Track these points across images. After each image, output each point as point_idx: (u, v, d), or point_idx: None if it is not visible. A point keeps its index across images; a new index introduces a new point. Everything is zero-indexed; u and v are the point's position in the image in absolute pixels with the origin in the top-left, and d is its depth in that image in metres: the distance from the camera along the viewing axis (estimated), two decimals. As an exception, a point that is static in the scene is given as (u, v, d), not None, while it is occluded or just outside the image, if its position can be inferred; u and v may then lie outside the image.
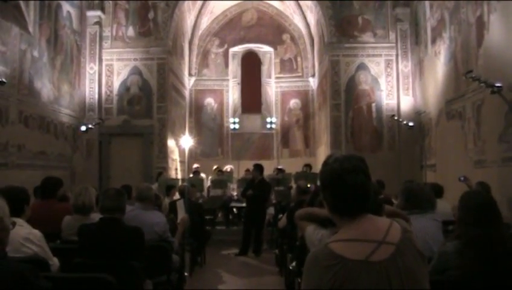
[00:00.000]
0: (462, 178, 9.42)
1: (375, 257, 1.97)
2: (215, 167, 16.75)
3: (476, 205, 3.70)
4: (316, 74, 21.39)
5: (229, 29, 23.07)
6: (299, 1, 20.90)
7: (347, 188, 2.10)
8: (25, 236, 4.34)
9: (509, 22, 9.36)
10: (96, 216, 5.35)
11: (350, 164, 2.14)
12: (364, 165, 2.17)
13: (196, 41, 22.49)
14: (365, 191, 2.13)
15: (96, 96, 16.50)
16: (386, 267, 1.96)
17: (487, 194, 4.93)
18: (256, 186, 12.12)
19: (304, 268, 2.10)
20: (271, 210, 13.24)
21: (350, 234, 2.06)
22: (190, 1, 19.60)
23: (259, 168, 12.50)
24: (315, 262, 2.04)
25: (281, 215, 9.90)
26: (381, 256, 1.98)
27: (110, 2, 16.97)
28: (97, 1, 16.61)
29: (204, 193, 15.18)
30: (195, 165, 16.99)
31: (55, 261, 4.58)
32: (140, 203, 6.21)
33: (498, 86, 8.50)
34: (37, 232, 4.48)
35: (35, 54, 12.86)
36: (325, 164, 2.21)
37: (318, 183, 2.36)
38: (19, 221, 4.32)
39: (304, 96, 22.84)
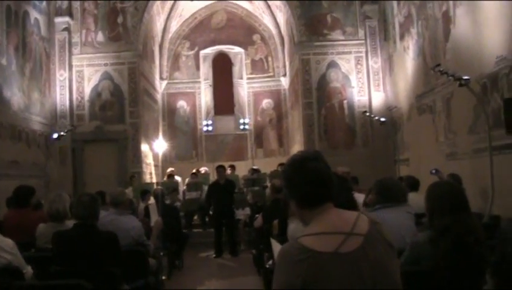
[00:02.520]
0: (433, 171, 9.52)
1: (345, 248, 2.01)
2: (194, 170, 16.71)
3: (447, 194, 3.75)
4: (288, 73, 21.47)
5: (199, 31, 23.05)
6: (268, 1, 20.96)
7: (309, 173, 2.19)
8: (-3, 245, 4.31)
9: (474, 15, 9.50)
10: (71, 223, 5.32)
11: (308, 153, 2.29)
12: (323, 157, 2.27)
13: (166, 44, 22.44)
14: (327, 177, 2.21)
15: (68, 102, 16.35)
16: (356, 257, 2.00)
17: (455, 183, 5.01)
18: (224, 187, 12.21)
19: (276, 263, 2.15)
20: (247, 210, 13.28)
21: (319, 227, 2.10)
22: (159, 4, 19.55)
23: (224, 169, 12.85)
24: (286, 257, 2.07)
25: (257, 215, 9.92)
26: (350, 247, 2.01)
27: (78, 7, 16.85)
28: (65, 6, 16.47)
29: (180, 196, 15.13)
30: (169, 169, 16.92)
31: (28, 270, 4.55)
32: (115, 208, 6.18)
33: (466, 79, 8.63)
34: (8, 240, 4.44)
35: (4, 62, 12.71)
36: (287, 161, 2.34)
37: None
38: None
39: (276, 96, 22.92)
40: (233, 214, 12.58)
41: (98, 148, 16.54)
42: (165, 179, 16.52)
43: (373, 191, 4.82)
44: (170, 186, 12.80)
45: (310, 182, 2.17)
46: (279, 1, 18.54)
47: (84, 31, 16.91)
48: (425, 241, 3.69)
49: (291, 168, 2.25)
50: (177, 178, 16.37)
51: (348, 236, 2.04)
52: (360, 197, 6.17)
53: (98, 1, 16.95)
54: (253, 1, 21.94)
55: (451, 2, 10.50)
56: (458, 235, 3.53)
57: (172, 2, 20.89)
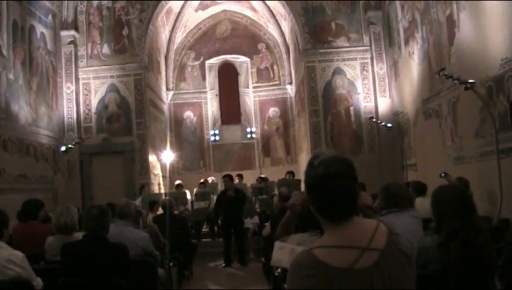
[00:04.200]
0: (442, 174, 9.51)
1: (359, 264, 1.95)
2: (202, 180, 16.72)
3: (455, 197, 3.76)
4: (293, 81, 21.49)
5: (204, 41, 23.11)
6: (272, 10, 21.01)
7: (332, 193, 2.04)
8: (7, 258, 4.32)
9: (478, 19, 9.51)
10: (79, 235, 5.33)
11: (335, 167, 2.07)
12: (351, 169, 2.11)
13: (172, 55, 22.50)
14: (351, 196, 2.07)
15: (75, 115, 16.43)
16: (370, 274, 1.94)
17: (461, 186, 5.01)
18: (233, 198, 12.17)
19: (288, 273, 2.07)
20: (255, 219, 13.28)
21: (334, 239, 2.03)
22: (164, 16, 19.63)
23: (231, 178, 12.70)
24: (299, 268, 2.01)
25: (266, 224, 9.91)
26: (365, 263, 1.95)
27: (84, 21, 16.96)
28: (71, 20, 16.58)
29: (189, 207, 15.14)
30: (177, 182, 16.90)
31: (38, 282, 4.56)
32: (121, 220, 6.18)
33: (471, 82, 8.61)
34: (18, 253, 4.46)
35: (11, 76, 12.79)
36: (311, 165, 2.14)
37: (303, 185, 2.29)
38: (-1, 243, 4.33)
39: (283, 104, 22.92)
40: (242, 223, 12.55)
41: (106, 160, 16.58)
42: (173, 189, 16.53)
43: (379, 196, 4.82)
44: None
45: (331, 203, 2.05)
46: (283, 9, 18.58)
47: (89, 44, 17.01)
48: (432, 245, 3.68)
49: (313, 183, 2.09)
50: (185, 191, 16.37)
51: (363, 251, 1.97)
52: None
53: (103, 14, 17.07)
54: (257, 10, 21.98)
55: (455, 6, 10.51)
56: (468, 238, 3.53)
57: (177, 13, 20.97)
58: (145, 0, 17.12)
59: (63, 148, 14.84)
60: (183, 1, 20.44)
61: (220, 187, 15.94)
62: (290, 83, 22.14)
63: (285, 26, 21.22)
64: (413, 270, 2.08)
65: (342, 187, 2.04)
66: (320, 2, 16.90)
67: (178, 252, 9.23)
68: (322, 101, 16.59)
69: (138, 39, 17.04)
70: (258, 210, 13.71)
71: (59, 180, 15.41)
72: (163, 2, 17.50)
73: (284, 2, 17.31)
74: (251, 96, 23.22)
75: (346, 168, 2.08)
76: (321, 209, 2.10)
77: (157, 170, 18.45)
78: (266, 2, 20.56)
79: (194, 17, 22.18)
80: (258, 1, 20.90)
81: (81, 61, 16.84)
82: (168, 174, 19.73)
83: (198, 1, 21.27)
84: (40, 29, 14.85)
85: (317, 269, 1.94)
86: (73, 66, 16.58)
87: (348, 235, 2.02)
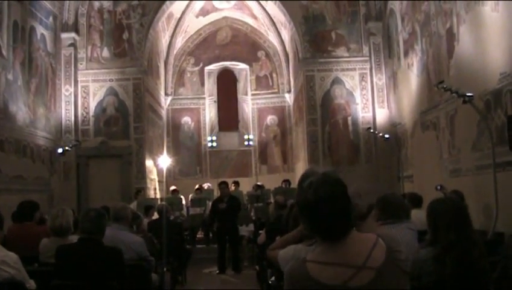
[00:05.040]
0: (438, 187, 9.54)
1: (354, 282, 1.92)
2: (197, 186, 16.71)
3: (452, 210, 3.76)
4: (292, 90, 21.50)
5: (204, 47, 23.12)
6: (273, 18, 21.04)
7: (324, 217, 2.01)
8: (1, 259, 4.31)
9: (477, 32, 9.54)
10: (74, 238, 5.32)
11: (324, 190, 2.02)
12: (341, 187, 2.06)
13: (171, 60, 22.50)
14: (344, 217, 2.03)
15: (73, 118, 16.40)
16: None
17: (457, 199, 5.01)
18: (227, 203, 12.18)
19: (284, 277, 2.10)
20: (251, 227, 13.27)
21: (329, 256, 1.99)
22: (165, 21, 19.64)
23: (227, 185, 12.78)
24: (291, 279, 2.02)
25: (261, 231, 9.89)
26: (360, 282, 1.93)
27: (84, 23, 16.97)
28: (71, 22, 16.58)
29: (184, 212, 15.13)
30: (172, 187, 16.86)
31: (31, 284, 4.55)
32: (117, 223, 6.16)
33: (469, 96, 8.63)
34: (12, 254, 4.45)
35: (10, 77, 12.77)
36: (300, 186, 2.12)
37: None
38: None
39: (281, 112, 22.92)
40: (237, 231, 12.55)
41: (103, 163, 16.56)
42: (169, 195, 16.50)
43: (375, 207, 4.81)
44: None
45: (324, 226, 2.02)
46: (283, 18, 18.61)
47: (89, 47, 17.00)
48: (427, 257, 3.68)
49: (303, 207, 2.06)
50: (181, 196, 16.34)
51: (359, 270, 1.94)
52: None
53: (104, 17, 17.08)
54: (258, 18, 22.02)
55: (455, 20, 10.54)
56: (463, 250, 3.53)
57: (178, 18, 20.98)
58: (147, 1, 17.12)
59: (60, 150, 14.80)
60: (184, 7, 20.45)
61: (216, 194, 15.92)
62: (289, 92, 22.14)
63: (285, 35, 21.24)
64: (408, 286, 2.07)
65: (333, 211, 2.00)
66: (320, 11, 16.93)
67: (172, 258, 9.22)
68: (320, 110, 16.59)
69: (138, 43, 17.05)
70: (253, 218, 13.71)
71: (55, 182, 15.37)
72: (164, 7, 17.51)
73: (284, 10, 17.34)
74: (249, 103, 23.20)
75: (335, 189, 2.04)
76: (313, 230, 2.08)
77: (153, 175, 18.41)
78: (267, 10, 20.59)
79: (194, 23, 22.20)
80: (258, 9, 20.92)
81: (81, 64, 16.82)
82: (164, 179, 19.69)
83: (199, 7, 21.28)
84: (40, 30, 14.84)
85: (307, 283, 1.94)
86: (73, 68, 16.55)
87: (344, 252, 1.99)
